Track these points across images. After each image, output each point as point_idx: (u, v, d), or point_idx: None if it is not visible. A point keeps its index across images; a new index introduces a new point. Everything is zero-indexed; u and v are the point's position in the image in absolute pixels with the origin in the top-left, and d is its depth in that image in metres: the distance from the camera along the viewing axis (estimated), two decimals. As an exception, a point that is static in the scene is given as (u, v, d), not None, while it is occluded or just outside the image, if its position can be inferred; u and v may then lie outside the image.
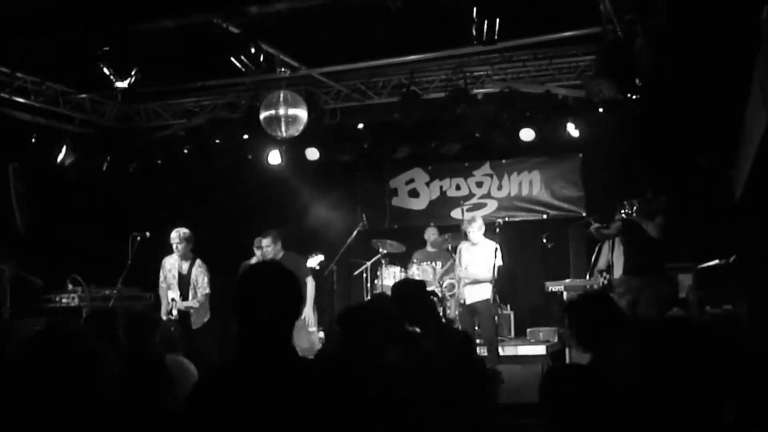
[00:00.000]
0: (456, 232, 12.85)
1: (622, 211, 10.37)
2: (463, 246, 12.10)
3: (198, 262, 11.58)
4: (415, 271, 12.88)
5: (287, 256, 11.83)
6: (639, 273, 9.94)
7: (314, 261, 12.12)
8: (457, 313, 12.26)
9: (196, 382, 3.68)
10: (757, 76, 8.67)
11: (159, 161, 14.23)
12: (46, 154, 12.86)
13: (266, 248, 11.84)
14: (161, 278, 11.63)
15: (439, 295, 12.55)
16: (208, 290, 11.52)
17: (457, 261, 12.12)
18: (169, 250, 11.66)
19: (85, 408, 2.99)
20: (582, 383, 4.38)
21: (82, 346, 3.12)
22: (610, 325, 5.21)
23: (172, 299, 11.24)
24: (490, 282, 11.60)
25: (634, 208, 10.25)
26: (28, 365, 3.03)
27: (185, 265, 11.53)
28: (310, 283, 11.95)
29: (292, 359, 3.49)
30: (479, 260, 11.77)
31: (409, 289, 6.91)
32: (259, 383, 3.32)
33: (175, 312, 11.21)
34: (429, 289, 12.26)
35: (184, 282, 11.48)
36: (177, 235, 11.43)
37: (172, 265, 11.60)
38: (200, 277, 11.51)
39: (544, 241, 12.65)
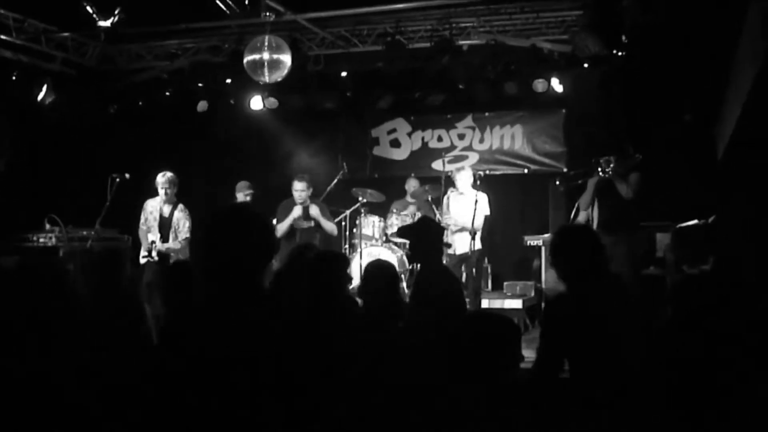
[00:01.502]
0: (436, 183, 12.83)
1: (599, 169, 10.36)
2: (451, 195, 12.07)
3: (180, 206, 11.54)
4: (394, 221, 12.88)
5: (314, 203, 11.83)
6: (611, 230, 9.93)
7: (295, 213, 12.09)
8: (445, 261, 12.26)
9: (163, 327, 3.64)
10: (745, 34, 8.66)
11: (140, 103, 14.16)
12: (26, 93, 12.77)
13: (300, 192, 11.71)
14: (141, 220, 11.57)
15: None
16: (188, 234, 11.50)
17: (444, 208, 12.08)
18: (149, 193, 11.61)
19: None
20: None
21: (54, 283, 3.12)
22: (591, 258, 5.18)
23: (152, 241, 11.20)
24: (479, 231, 11.61)
25: (611, 165, 10.24)
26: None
27: (167, 209, 11.48)
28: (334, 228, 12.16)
29: (264, 305, 3.45)
30: (466, 210, 11.76)
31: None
32: (225, 330, 3.26)
33: (154, 254, 11.19)
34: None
35: (165, 225, 11.44)
36: (164, 179, 11.38)
37: (153, 207, 11.54)
38: (182, 221, 11.47)
39: (557, 183, 12.60)
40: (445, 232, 11.92)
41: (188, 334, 3.33)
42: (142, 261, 11.26)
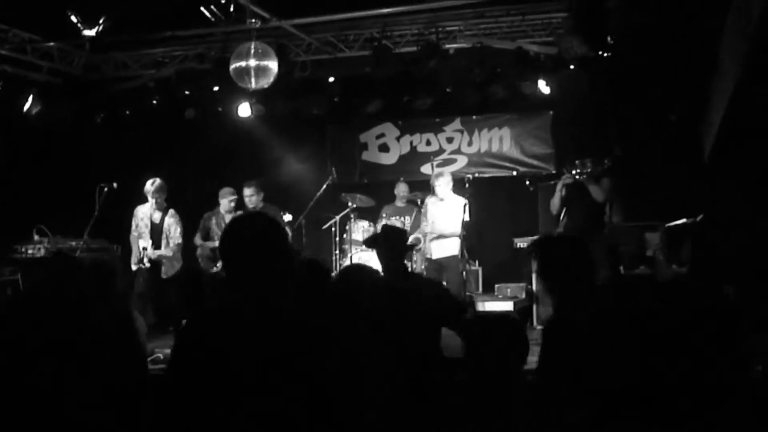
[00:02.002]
0: (426, 188, 12.83)
1: (573, 171, 10.39)
2: (430, 201, 12.08)
3: (171, 211, 11.59)
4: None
5: (267, 208, 11.85)
6: (582, 233, 9.94)
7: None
8: (423, 267, 12.25)
9: (184, 328, 3.65)
10: (728, 32, 8.68)
11: (127, 112, 14.16)
12: (12, 103, 12.74)
13: (249, 197, 11.85)
14: (132, 227, 11.62)
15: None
16: (180, 240, 11.57)
17: (422, 216, 12.11)
18: (137, 202, 11.65)
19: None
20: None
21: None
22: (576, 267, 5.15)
23: (143, 248, 11.23)
24: (459, 237, 11.60)
25: (587, 168, 10.26)
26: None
27: (158, 215, 11.52)
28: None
29: (285, 309, 3.49)
30: (446, 215, 11.76)
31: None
32: (246, 331, 3.31)
33: (146, 261, 11.21)
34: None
35: (156, 231, 11.48)
36: (153, 187, 11.43)
37: (144, 213, 11.58)
38: (173, 227, 11.53)
39: (527, 183, 12.60)
40: (424, 239, 11.96)
41: (212, 335, 3.37)
42: (134, 267, 11.28)
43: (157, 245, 11.42)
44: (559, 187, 10.64)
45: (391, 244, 7.20)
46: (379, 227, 12.83)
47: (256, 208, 11.76)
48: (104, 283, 6.55)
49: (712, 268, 9.46)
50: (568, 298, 5.02)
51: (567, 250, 5.24)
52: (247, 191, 11.87)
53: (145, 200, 11.59)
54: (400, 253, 7.27)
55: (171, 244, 11.48)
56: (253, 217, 3.79)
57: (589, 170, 10.22)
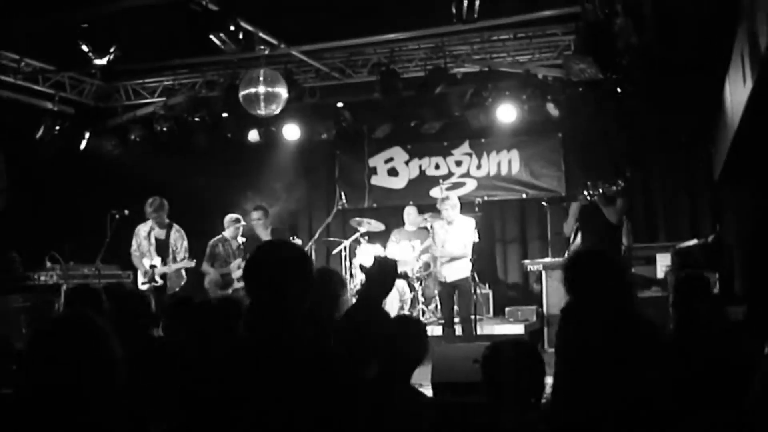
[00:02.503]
0: (435, 211, 12.84)
1: (585, 192, 10.38)
2: (437, 224, 12.06)
3: (175, 227, 11.63)
4: (394, 250, 12.87)
5: (277, 233, 11.87)
6: None
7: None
8: (436, 291, 12.25)
9: (214, 359, 3.68)
10: (737, 53, 8.71)
11: (138, 139, 14.19)
12: (25, 132, 12.82)
13: (256, 221, 11.83)
14: (134, 246, 11.63)
15: (415, 275, 12.61)
16: (186, 254, 11.54)
17: (431, 240, 12.12)
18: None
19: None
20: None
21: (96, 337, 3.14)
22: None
23: (152, 266, 11.24)
24: (469, 259, 11.60)
25: (599, 190, 10.24)
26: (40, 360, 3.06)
27: (162, 232, 11.53)
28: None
29: (307, 338, 3.53)
30: (455, 238, 11.74)
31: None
32: (265, 362, 3.36)
33: (157, 278, 11.23)
34: (406, 268, 12.36)
35: (162, 247, 11.48)
36: (152, 208, 11.50)
37: (146, 231, 11.59)
38: (179, 241, 11.56)
39: (543, 204, 12.61)
40: (434, 263, 11.95)
41: (229, 367, 3.41)
42: (143, 288, 11.29)
43: (165, 261, 11.44)
44: (572, 209, 10.64)
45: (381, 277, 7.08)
46: (388, 252, 12.83)
47: (266, 230, 11.77)
48: (134, 313, 6.58)
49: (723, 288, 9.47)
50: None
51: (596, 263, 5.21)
52: (255, 215, 11.89)
53: (146, 218, 11.63)
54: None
55: (178, 259, 11.49)
56: (282, 245, 3.81)
57: (601, 191, 10.21)
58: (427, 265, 12.38)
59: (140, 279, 11.52)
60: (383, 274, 6.89)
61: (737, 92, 8.63)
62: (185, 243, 11.59)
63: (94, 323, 3.17)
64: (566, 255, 12.01)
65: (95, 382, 3.03)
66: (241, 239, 12.16)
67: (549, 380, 5.03)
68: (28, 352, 3.11)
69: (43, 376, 3.01)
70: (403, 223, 13.63)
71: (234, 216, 12.33)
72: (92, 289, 7.23)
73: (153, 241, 11.53)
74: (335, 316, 6.01)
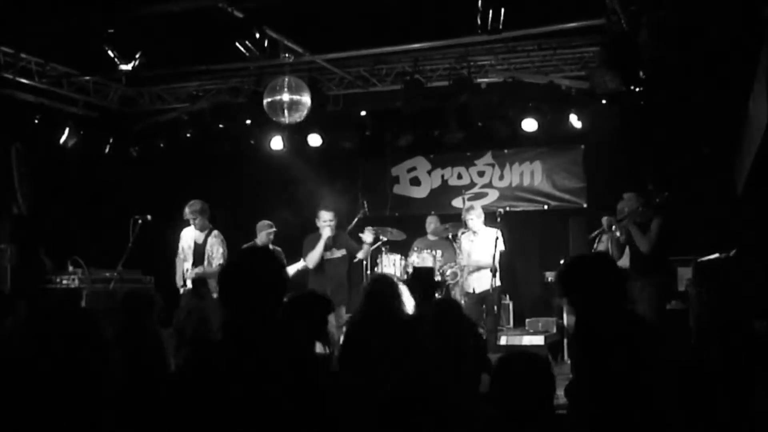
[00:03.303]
0: (457, 221, 12.82)
1: (606, 230, 10.29)
2: (464, 235, 12.09)
3: (215, 232, 11.57)
4: (415, 259, 12.84)
5: (340, 234, 11.93)
6: (641, 273, 9.82)
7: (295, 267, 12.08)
8: (463, 302, 12.23)
9: (183, 365, 3.72)
10: (761, 67, 8.68)
11: (161, 145, 14.25)
12: (48, 136, 12.88)
13: (330, 222, 11.76)
14: (179, 249, 11.67)
15: (444, 282, 12.59)
16: (222, 260, 11.43)
17: (457, 250, 12.11)
18: (171, 234, 11.73)
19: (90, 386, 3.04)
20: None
21: (84, 326, 3.16)
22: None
23: (186, 269, 11.28)
24: (492, 269, 11.57)
25: (613, 226, 10.12)
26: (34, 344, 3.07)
27: (201, 236, 11.51)
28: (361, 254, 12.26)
29: (277, 344, 3.52)
30: (481, 248, 11.76)
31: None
32: (241, 368, 3.36)
33: (189, 282, 11.23)
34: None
35: (198, 252, 11.43)
36: (190, 210, 11.43)
37: (188, 236, 11.59)
38: (215, 246, 11.48)
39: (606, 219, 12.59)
40: (461, 273, 11.94)
41: (203, 368, 3.44)
42: (181, 289, 11.34)
43: (197, 266, 11.39)
44: (606, 240, 10.58)
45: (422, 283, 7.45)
46: (410, 261, 12.82)
47: (332, 233, 11.82)
48: (140, 312, 6.63)
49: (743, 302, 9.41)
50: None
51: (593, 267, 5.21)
52: (327, 215, 11.83)
53: (169, 222, 11.68)
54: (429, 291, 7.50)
55: (213, 264, 11.44)
56: (246, 253, 3.87)
57: (614, 225, 10.09)
58: (454, 275, 12.34)
59: (178, 282, 11.54)
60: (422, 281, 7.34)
61: (761, 105, 8.60)
62: (222, 249, 11.49)
63: (85, 311, 3.22)
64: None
65: (90, 364, 3.05)
66: (272, 246, 12.19)
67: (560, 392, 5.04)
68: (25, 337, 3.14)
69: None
70: (425, 233, 13.61)
71: (267, 222, 12.35)
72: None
73: (192, 245, 11.54)
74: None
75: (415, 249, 13.16)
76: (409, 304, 6.87)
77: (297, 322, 5.83)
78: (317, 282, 11.27)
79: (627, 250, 10.27)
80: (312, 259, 11.57)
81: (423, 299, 7.50)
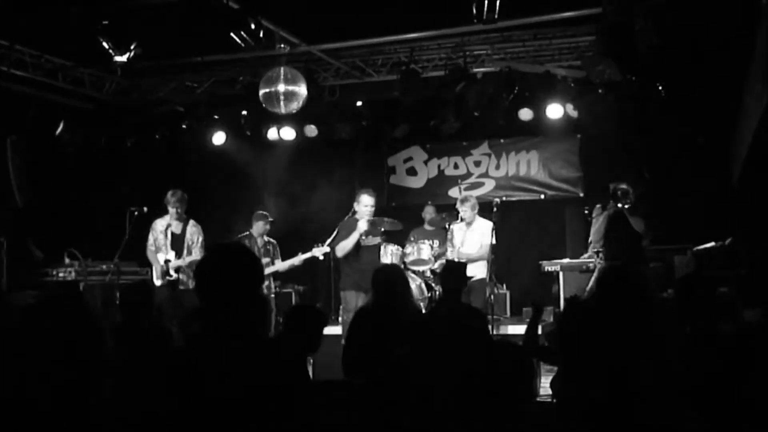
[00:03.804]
0: (453, 211, 12.82)
1: (614, 200, 10.35)
2: (456, 226, 12.06)
3: (192, 222, 11.50)
4: (412, 250, 12.83)
5: (378, 221, 11.80)
6: (619, 261, 9.86)
7: (319, 251, 12.01)
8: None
9: (164, 359, 3.72)
10: (757, 55, 8.68)
11: (157, 136, 14.23)
12: (44, 128, 12.86)
13: (371, 208, 11.42)
14: (150, 241, 11.46)
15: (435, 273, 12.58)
16: (202, 250, 11.38)
17: (449, 241, 12.09)
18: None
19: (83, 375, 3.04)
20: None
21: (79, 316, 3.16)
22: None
23: (166, 260, 11.17)
24: (486, 261, 11.57)
25: (629, 197, 10.19)
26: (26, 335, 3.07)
27: (179, 226, 11.45)
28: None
29: (251, 340, 3.54)
30: (473, 239, 11.76)
31: None
32: (216, 363, 3.37)
33: (172, 272, 11.16)
34: (425, 267, 12.37)
35: (177, 242, 11.33)
36: (175, 198, 11.34)
37: (162, 226, 11.47)
38: (195, 235, 11.44)
39: (586, 212, 12.59)
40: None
41: (178, 365, 3.44)
42: (158, 283, 11.22)
43: (179, 256, 11.32)
44: (602, 218, 10.62)
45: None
46: (407, 251, 12.79)
47: (370, 217, 11.60)
48: (139, 305, 6.65)
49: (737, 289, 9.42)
50: None
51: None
52: (369, 200, 11.44)
53: (163, 213, 11.57)
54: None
55: (194, 253, 11.37)
56: (219, 249, 3.86)
57: (631, 200, 10.18)
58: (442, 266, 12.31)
59: (155, 274, 11.45)
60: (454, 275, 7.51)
61: (755, 95, 8.60)
62: (201, 238, 11.48)
63: (81, 299, 3.23)
64: (586, 257, 12.02)
65: (88, 350, 3.06)
66: (267, 238, 12.17)
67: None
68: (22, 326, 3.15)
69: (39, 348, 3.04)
70: (422, 223, 13.61)
71: (262, 213, 12.32)
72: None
73: (169, 235, 11.46)
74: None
75: (412, 239, 13.16)
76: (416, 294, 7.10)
77: (294, 336, 5.84)
78: (351, 268, 11.09)
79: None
80: (342, 248, 11.17)
81: (452, 293, 7.86)
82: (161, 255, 11.27)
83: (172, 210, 11.37)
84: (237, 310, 3.50)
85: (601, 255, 11.09)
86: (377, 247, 11.70)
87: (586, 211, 11.50)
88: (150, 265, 11.69)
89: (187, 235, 11.45)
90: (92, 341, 3.25)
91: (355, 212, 11.40)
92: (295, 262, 11.94)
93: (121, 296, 6.87)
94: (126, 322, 6.61)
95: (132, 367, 4.92)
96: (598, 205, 11.05)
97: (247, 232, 12.23)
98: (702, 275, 6.38)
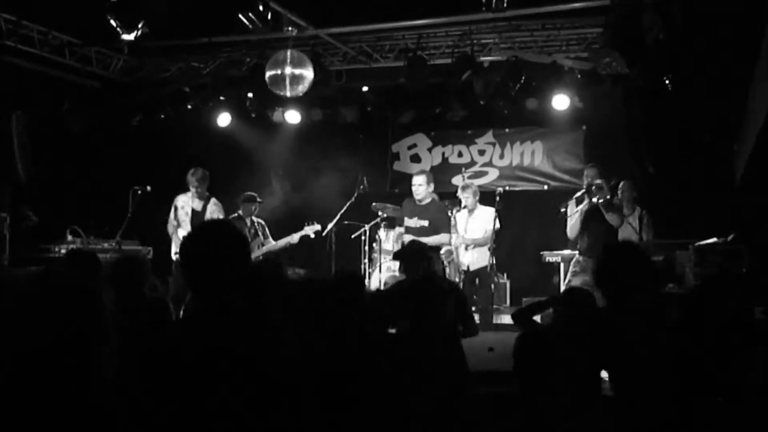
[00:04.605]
0: (456, 199, 12.82)
1: (591, 195, 10.38)
2: (459, 214, 12.08)
3: (213, 200, 11.58)
4: (401, 230, 12.81)
5: (434, 202, 11.90)
6: (594, 255, 9.87)
7: (310, 230, 12.06)
8: (458, 280, 12.21)
9: (152, 337, 3.71)
10: (763, 52, 8.67)
11: (163, 116, 14.23)
12: (50, 105, 12.87)
13: (419, 187, 11.70)
14: (171, 216, 11.54)
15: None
16: None
17: (453, 228, 12.10)
18: (170, 206, 11.67)
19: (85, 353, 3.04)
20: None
21: (78, 294, 3.16)
22: None
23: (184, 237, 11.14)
24: (488, 248, 11.60)
25: (606, 194, 10.22)
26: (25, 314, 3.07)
27: (199, 204, 11.48)
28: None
29: (238, 318, 3.52)
30: (477, 225, 11.79)
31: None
32: (202, 342, 3.35)
33: None
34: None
35: (197, 219, 11.33)
36: (195, 177, 11.43)
37: (185, 202, 11.53)
38: (215, 214, 11.47)
39: (562, 210, 12.60)
40: (456, 251, 11.92)
41: (167, 344, 3.43)
42: (175, 258, 11.25)
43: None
44: (579, 213, 10.66)
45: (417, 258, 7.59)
46: (397, 231, 12.79)
47: (423, 199, 11.78)
48: (132, 279, 6.63)
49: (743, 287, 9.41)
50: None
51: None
52: (418, 179, 11.80)
53: (186, 189, 11.61)
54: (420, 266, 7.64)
55: None
56: (202, 228, 3.85)
57: (606, 196, 10.22)
58: (449, 253, 12.32)
59: (173, 249, 11.47)
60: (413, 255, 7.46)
61: (761, 91, 8.59)
62: (221, 216, 11.51)
63: (81, 283, 3.21)
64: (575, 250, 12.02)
65: (89, 338, 3.06)
66: (255, 218, 12.16)
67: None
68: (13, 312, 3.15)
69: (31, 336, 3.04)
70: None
71: (249, 194, 12.31)
72: (88, 253, 7.33)
73: (189, 212, 11.49)
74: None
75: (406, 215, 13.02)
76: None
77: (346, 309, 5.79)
78: None
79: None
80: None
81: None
82: (182, 231, 11.30)
83: (192, 189, 11.43)
84: (224, 287, 3.48)
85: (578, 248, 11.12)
86: (421, 231, 11.72)
87: (563, 209, 11.50)
88: (152, 245, 11.72)
89: (207, 213, 11.48)
90: (92, 316, 3.24)
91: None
92: (290, 241, 11.96)
93: (113, 270, 6.83)
94: (119, 296, 6.59)
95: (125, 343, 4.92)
96: (570, 201, 11.09)
97: (236, 214, 12.21)
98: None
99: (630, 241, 9.55)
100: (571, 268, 10.98)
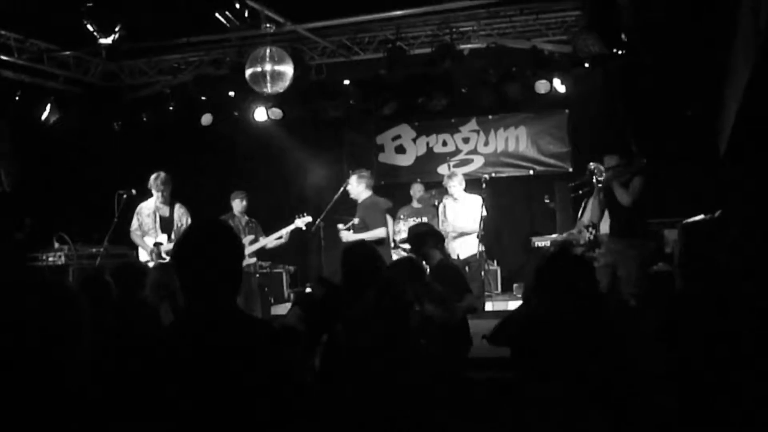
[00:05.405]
0: (442, 188, 12.84)
1: (593, 178, 10.26)
2: (447, 202, 12.10)
3: (178, 204, 11.42)
4: (402, 227, 12.85)
5: (372, 199, 11.75)
6: (620, 236, 9.77)
7: (301, 222, 12.06)
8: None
9: (147, 339, 3.70)
10: (741, 28, 8.67)
11: (144, 118, 14.20)
12: (30, 112, 12.82)
13: (349, 186, 11.56)
14: (134, 225, 11.27)
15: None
16: None
17: (441, 217, 12.12)
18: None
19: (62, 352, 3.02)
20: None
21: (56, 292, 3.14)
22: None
23: (156, 243, 11.10)
24: (477, 235, 11.61)
25: (603, 172, 10.06)
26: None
27: (166, 209, 11.38)
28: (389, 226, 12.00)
29: (234, 319, 3.51)
30: (464, 214, 11.80)
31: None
32: (196, 343, 3.34)
33: (164, 255, 11.11)
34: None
35: (167, 225, 11.27)
36: (159, 180, 11.24)
37: (149, 209, 11.38)
38: (184, 218, 11.37)
39: (547, 200, 12.61)
40: (446, 239, 11.91)
41: (160, 348, 3.42)
42: (150, 265, 11.19)
43: (170, 239, 11.27)
44: (593, 200, 10.50)
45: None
46: (396, 229, 12.82)
47: (360, 197, 11.59)
48: (132, 284, 6.65)
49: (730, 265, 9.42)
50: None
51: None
52: (349, 180, 11.70)
53: (148, 196, 11.50)
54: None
55: None
56: (196, 228, 3.84)
57: (605, 173, 10.06)
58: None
59: (142, 257, 11.39)
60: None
61: (740, 65, 8.60)
62: (189, 220, 11.46)
63: (61, 285, 3.18)
64: (575, 232, 12.01)
65: (63, 344, 3.03)
66: (248, 217, 12.15)
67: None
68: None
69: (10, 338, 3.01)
70: (410, 200, 13.61)
71: (240, 192, 12.29)
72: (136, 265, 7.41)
73: (157, 218, 11.41)
74: None
75: (401, 217, 13.18)
76: None
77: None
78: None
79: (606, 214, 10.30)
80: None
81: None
82: (149, 238, 11.19)
83: (157, 193, 11.29)
84: (217, 287, 3.46)
85: (591, 231, 11.04)
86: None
87: (575, 191, 11.36)
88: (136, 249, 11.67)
89: (176, 218, 11.40)
90: (67, 316, 3.21)
91: None
92: (281, 235, 11.93)
93: (115, 275, 6.85)
94: (122, 300, 6.61)
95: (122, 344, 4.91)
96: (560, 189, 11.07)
97: (229, 213, 12.19)
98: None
99: (568, 246, 9.57)
100: (601, 248, 10.69)
